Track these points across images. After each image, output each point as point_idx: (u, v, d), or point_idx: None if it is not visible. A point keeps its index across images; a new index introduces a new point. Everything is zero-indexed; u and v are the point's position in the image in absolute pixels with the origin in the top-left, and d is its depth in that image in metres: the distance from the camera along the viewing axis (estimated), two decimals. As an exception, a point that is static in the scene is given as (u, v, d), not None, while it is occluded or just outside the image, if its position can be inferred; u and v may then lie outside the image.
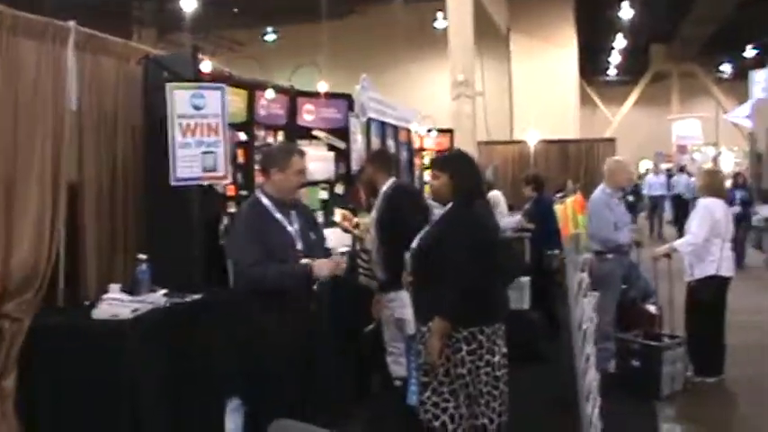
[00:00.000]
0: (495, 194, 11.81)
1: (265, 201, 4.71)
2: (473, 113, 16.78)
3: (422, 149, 12.41)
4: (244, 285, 4.65)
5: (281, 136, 7.33)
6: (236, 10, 26.15)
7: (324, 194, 7.69)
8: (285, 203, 4.75)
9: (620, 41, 28.74)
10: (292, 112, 7.42)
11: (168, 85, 5.02)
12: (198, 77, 5.31)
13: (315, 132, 7.61)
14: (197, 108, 5.07)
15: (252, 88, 6.73)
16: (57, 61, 4.82)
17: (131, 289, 4.95)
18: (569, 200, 11.64)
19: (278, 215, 4.69)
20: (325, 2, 21.69)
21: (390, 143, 9.47)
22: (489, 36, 23.19)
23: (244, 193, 6.61)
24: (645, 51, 32.78)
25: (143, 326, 4.38)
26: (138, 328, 4.35)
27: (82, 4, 19.28)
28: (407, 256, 4.76)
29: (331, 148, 7.71)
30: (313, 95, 7.57)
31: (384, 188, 6.24)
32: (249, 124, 6.77)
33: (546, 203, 9.77)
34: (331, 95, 7.71)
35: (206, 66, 5.65)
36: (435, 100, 18.80)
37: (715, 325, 7.24)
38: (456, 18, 16.51)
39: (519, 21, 24.05)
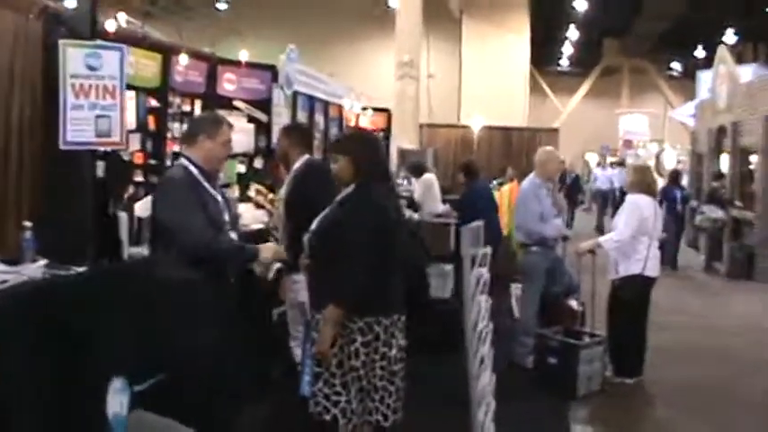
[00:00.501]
0: (429, 178, 11.61)
1: (193, 169, 4.40)
2: (416, 95, 16.58)
3: (357, 128, 12.12)
4: (191, 253, 4.25)
5: (198, 105, 7.00)
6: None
7: (241, 168, 7.39)
8: (210, 174, 4.50)
9: (573, 33, 28.65)
10: (212, 80, 7.09)
11: (61, 42, 4.65)
12: (96, 36, 4.92)
13: (235, 103, 7.29)
14: (92, 68, 4.69)
15: (167, 52, 6.37)
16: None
17: (18, 259, 4.57)
18: (506, 187, 11.56)
19: (206, 184, 4.43)
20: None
21: (319, 118, 9.17)
22: (441, 19, 22.97)
23: (153, 162, 6.27)
24: (598, 44, 32.78)
25: (8, 299, 3.98)
26: (7, 300, 3.95)
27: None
28: (305, 238, 4.47)
29: (251, 120, 7.37)
30: (235, 64, 7.21)
31: (297, 164, 5.91)
32: (163, 90, 6.43)
33: (478, 191, 9.57)
34: (254, 65, 7.37)
35: (110, 24, 5.26)
36: (381, 80, 18.45)
37: (637, 325, 7.04)
38: (404, -2, 16.23)
39: (472, 5, 23.77)
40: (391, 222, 4.21)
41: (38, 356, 4.04)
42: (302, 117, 8.44)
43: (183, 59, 6.36)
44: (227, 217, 4.57)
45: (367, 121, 12.49)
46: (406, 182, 12.26)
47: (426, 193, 11.54)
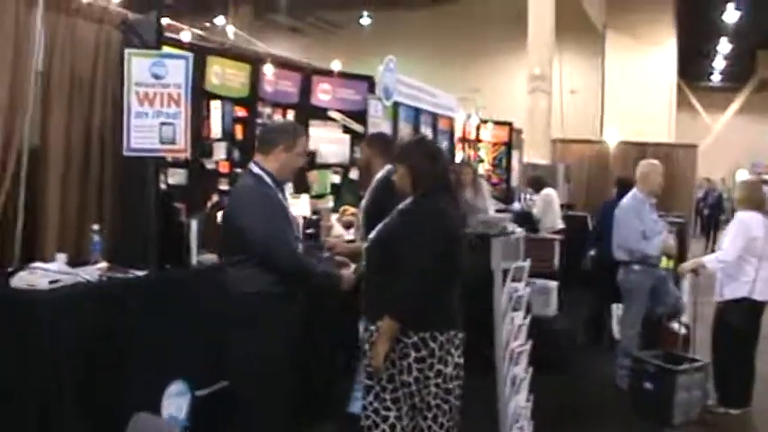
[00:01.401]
0: (549, 193, 11.31)
1: (267, 179, 4.34)
2: (548, 109, 16.16)
3: (477, 140, 11.97)
4: (289, 269, 4.29)
5: (291, 115, 7.02)
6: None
7: (336, 179, 7.36)
8: (282, 185, 4.46)
9: (724, 45, 27.36)
10: (306, 90, 7.08)
11: (127, 51, 4.75)
12: (160, 45, 5.00)
13: (330, 113, 7.25)
14: (157, 77, 4.75)
15: (256, 63, 6.42)
16: (24, 23, 4.65)
17: (83, 261, 4.70)
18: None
19: (280, 195, 4.40)
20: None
21: (426, 130, 9.03)
22: (583, 32, 22.44)
23: (239, 170, 6.32)
24: (751, 57, 31.16)
25: (60, 298, 4.07)
26: (55, 301, 4.04)
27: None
28: (363, 247, 4.38)
29: (347, 130, 7.33)
30: (330, 74, 7.21)
31: (379, 175, 5.81)
32: (251, 100, 6.47)
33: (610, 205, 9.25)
34: (350, 76, 7.34)
35: (185, 35, 5.37)
36: (516, 94, 18.15)
37: (744, 351, 6.54)
38: (536, 10, 15.92)
39: (616, 18, 23.10)
40: (451, 235, 4.06)
41: (78, 357, 4.18)
42: (405, 129, 8.35)
43: (269, 69, 6.38)
44: (295, 228, 4.56)
45: (488, 135, 12.31)
46: (528, 196, 11.94)
47: (546, 209, 11.23)
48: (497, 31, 23.06)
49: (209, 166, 6.19)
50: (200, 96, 6.02)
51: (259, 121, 6.66)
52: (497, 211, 11.22)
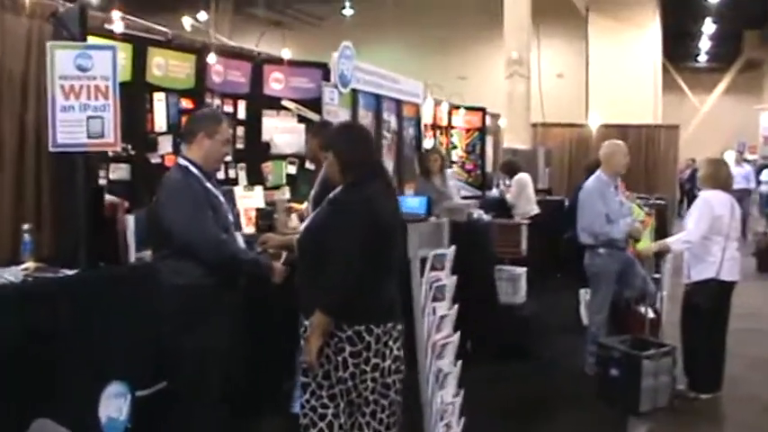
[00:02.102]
0: (523, 177, 11.16)
1: (193, 169, 4.28)
2: (527, 93, 16.00)
3: (450, 127, 11.80)
4: (205, 256, 4.16)
5: (242, 105, 6.84)
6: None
7: (292, 169, 7.19)
8: (210, 174, 4.38)
9: (709, 26, 27.14)
10: (257, 80, 6.91)
11: (49, 45, 4.52)
12: (85, 36, 4.79)
13: (284, 102, 7.07)
14: (83, 69, 4.53)
15: (201, 53, 6.23)
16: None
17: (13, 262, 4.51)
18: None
19: (208, 184, 4.30)
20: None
21: (390, 117, 8.85)
22: (567, 16, 22.27)
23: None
24: (737, 37, 30.92)
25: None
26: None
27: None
28: (295, 239, 4.21)
29: (302, 120, 7.14)
30: (281, 62, 7.02)
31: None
32: (198, 91, 6.29)
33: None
34: (303, 64, 7.15)
35: (118, 26, 5.18)
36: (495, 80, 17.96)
37: (713, 334, 6.38)
38: (512, -9, 15.73)
39: (598, 1, 22.90)
40: (384, 224, 3.87)
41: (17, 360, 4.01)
42: (366, 116, 8.15)
43: (212, 58, 6.20)
44: (231, 217, 4.42)
45: (461, 121, 12.13)
46: (504, 182, 11.77)
47: (520, 194, 11.06)
48: (481, 17, 22.84)
49: (155, 160, 5.99)
50: (141, 89, 5.87)
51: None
52: (468, 197, 11.12)
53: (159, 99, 6.00)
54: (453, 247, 3.50)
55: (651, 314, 6.89)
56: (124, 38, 5.60)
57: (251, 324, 4.67)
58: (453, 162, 12.08)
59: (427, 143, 10.86)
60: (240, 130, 6.88)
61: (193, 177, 4.24)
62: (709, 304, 6.28)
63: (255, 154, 6.94)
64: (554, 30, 23.38)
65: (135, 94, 5.78)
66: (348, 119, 7.71)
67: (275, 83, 7.04)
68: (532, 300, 8.14)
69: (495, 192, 12.21)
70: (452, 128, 11.97)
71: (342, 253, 3.73)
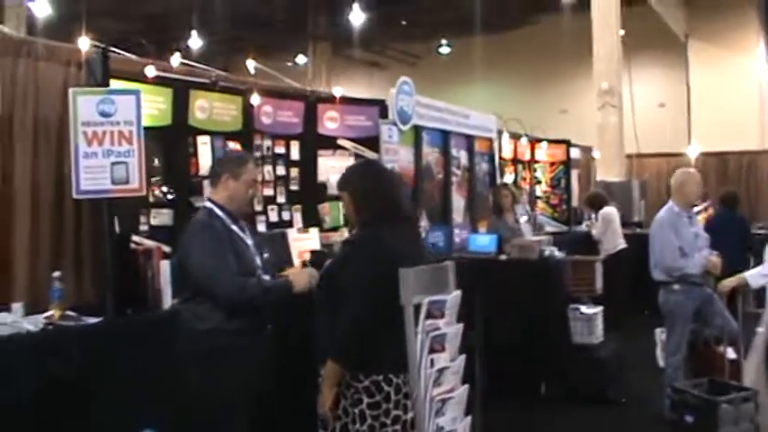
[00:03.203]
0: (609, 211, 10.71)
1: (219, 212, 4.24)
2: (620, 124, 15.45)
3: (533, 161, 11.47)
4: (222, 304, 4.08)
5: (295, 146, 6.73)
6: (404, 23, 25.69)
7: (349, 210, 6.98)
8: (237, 217, 4.32)
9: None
10: (311, 119, 6.78)
11: (71, 91, 4.53)
12: (107, 81, 4.77)
13: (339, 141, 6.91)
14: (105, 115, 4.51)
15: (246, 95, 6.16)
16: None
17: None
18: (699, 217, 10.40)
19: (234, 228, 4.24)
20: (496, 13, 20.86)
21: (460, 154, 8.60)
22: (665, 44, 21.59)
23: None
24: None
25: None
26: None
27: (256, 19, 19.65)
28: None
29: (359, 159, 6.97)
30: (335, 101, 6.89)
31: None
32: (246, 133, 6.21)
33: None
34: (359, 101, 7.00)
35: (150, 70, 5.15)
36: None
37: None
38: (600, 21, 15.27)
39: (698, 27, 22.13)
40: (400, 265, 3.62)
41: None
42: (431, 153, 7.94)
43: (255, 99, 6.10)
44: (258, 261, 4.31)
45: (543, 154, 11.79)
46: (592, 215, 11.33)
47: (606, 228, 10.61)
48: (578, 49, 22.39)
49: (199, 204, 5.89)
50: (183, 132, 5.81)
51: (258, 154, 6.38)
52: (554, 233, 10.74)
53: (204, 142, 5.94)
54: (458, 293, 3.22)
55: (732, 355, 6.36)
56: (164, 82, 5.55)
57: (282, 370, 4.47)
58: (538, 197, 11.75)
59: (508, 178, 10.58)
60: (294, 171, 6.76)
61: (218, 220, 4.19)
62: (795, 343, 5.75)
63: (311, 195, 6.80)
64: (651, 59, 22.64)
65: (176, 138, 5.74)
66: (410, 157, 7.53)
67: (330, 122, 6.91)
68: (611, 340, 7.68)
69: (583, 226, 11.78)
70: (536, 162, 11.63)
71: (353, 298, 3.51)
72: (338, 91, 6.93)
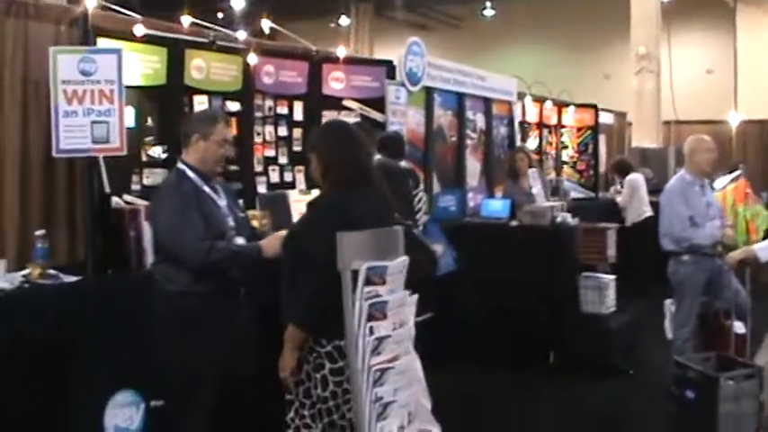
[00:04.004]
0: (635, 178, 10.51)
1: (190, 173, 4.15)
2: (657, 89, 15.12)
3: (559, 126, 11.24)
4: (194, 265, 4.00)
5: (299, 106, 6.62)
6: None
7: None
8: (210, 177, 4.22)
9: None
10: (315, 79, 6.67)
11: (51, 50, 4.49)
12: (89, 39, 4.69)
13: (345, 102, 6.79)
14: (86, 74, 4.46)
15: (243, 54, 6.07)
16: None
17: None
18: (730, 187, 10.09)
19: (206, 189, 4.16)
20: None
21: (476, 117, 8.42)
22: (712, 8, 20.99)
23: (234, 167, 5.99)
24: None
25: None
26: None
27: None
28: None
29: (365, 120, 6.86)
30: (342, 61, 6.76)
31: None
32: (244, 93, 6.12)
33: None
34: (366, 61, 6.87)
35: (138, 29, 5.08)
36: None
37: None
38: (639, -16, 14.91)
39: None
40: (364, 229, 3.52)
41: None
42: (444, 116, 7.78)
43: (252, 59, 5.99)
44: (231, 221, 4.21)
45: (570, 119, 11.53)
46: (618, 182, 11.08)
47: (632, 196, 10.37)
48: (622, 14, 21.88)
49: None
50: (179, 92, 5.72)
51: (259, 114, 6.31)
52: (580, 199, 10.56)
53: (201, 102, 5.85)
54: (404, 258, 3.10)
55: (741, 330, 6.16)
56: (157, 41, 5.47)
57: (257, 334, 4.40)
58: (564, 162, 11.53)
59: (532, 143, 10.38)
60: (297, 132, 6.65)
61: (188, 181, 4.11)
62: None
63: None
64: (697, 24, 22.03)
65: (171, 98, 5.64)
66: (420, 119, 7.39)
67: (335, 82, 6.78)
68: (627, 310, 7.51)
69: (610, 193, 11.55)
70: (562, 126, 11.39)
71: (314, 261, 3.42)
72: (341, 51, 6.77)
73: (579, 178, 11.50)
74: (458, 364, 6.75)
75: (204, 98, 5.88)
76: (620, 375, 6.91)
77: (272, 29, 7.90)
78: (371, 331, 2.89)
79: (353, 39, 24.52)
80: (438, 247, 6.13)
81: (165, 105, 5.60)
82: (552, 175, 10.96)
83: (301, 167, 6.66)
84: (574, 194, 10.90)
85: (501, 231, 7.46)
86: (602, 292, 7.24)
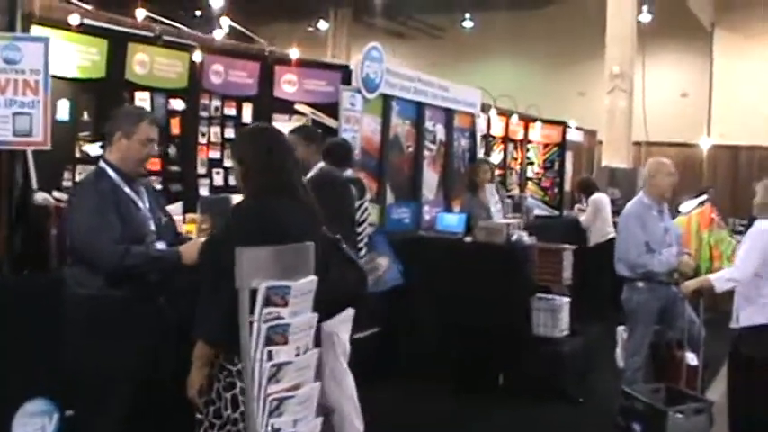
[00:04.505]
0: (599, 198, 10.31)
1: (111, 173, 3.92)
2: (629, 110, 14.96)
3: (526, 141, 11.07)
4: (108, 268, 3.75)
5: (248, 108, 6.38)
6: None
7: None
8: (133, 178, 3.98)
9: None
10: (267, 81, 6.43)
11: (-26, 35, 4.19)
12: (14, 26, 4.43)
13: (297, 106, 6.55)
14: (10, 62, 4.20)
15: (189, 51, 5.82)
16: None
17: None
18: (696, 211, 9.92)
19: (127, 190, 3.92)
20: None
21: (436, 128, 8.20)
22: (689, 32, 20.93)
23: (175, 168, 5.73)
24: None
25: None
26: None
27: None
28: None
29: (317, 126, 6.61)
30: (294, 63, 6.52)
31: (311, 173, 5.06)
32: (191, 91, 5.87)
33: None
34: (320, 65, 6.64)
35: (74, 18, 4.83)
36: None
37: (765, 390, 5.43)
38: (615, 3, 14.75)
39: (724, 16, 21.44)
40: (282, 241, 3.26)
41: None
42: (401, 125, 7.54)
43: (198, 57, 5.75)
44: (152, 225, 3.97)
45: (538, 135, 11.36)
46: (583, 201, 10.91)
47: (595, 216, 10.19)
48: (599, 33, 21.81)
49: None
50: (119, 86, 5.47)
51: (205, 114, 6.07)
52: (543, 217, 10.38)
53: (142, 99, 5.63)
54: (312, 278, 2.85)
55: (693, 361, 5.97)
56: (97, 32, 5.21)
57: (175, 342, 4.13)
58: (529, 179, 11.35)
59: (495, 157, 10.18)
60: (246, 135, 6.38)
61: (107, 180, 3.89)
62: (762, 355, 5.32)
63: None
64: (674, 46, 21.97)
65: (110, 92, 5.40)
66: (376, 127, 7.15)
67: (288, 85, 6.55)
68: (579, 334, 7.29)
69: (575, 211, 11.37)
70: (529, 142, 11.22)
71: (223, 274, 3.16)
72: (295, 53, 6.53)
73: (543, 195, 11.33)
74: (403, 380, 6.59)
75: (146, 94, 5.67)
76: (571, 402, 6.67)
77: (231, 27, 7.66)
78: (270, 356, 2.63)
79: (331, 43, 24.31)
80: (383, 260, 5.91)
81: (103, 100, 5.36)
82: (516, 191, 10.78)
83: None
84: (537, 212, 10.73)
85: (455, 247, 7.25)
86: (555, 315, 7.03)
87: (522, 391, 6.69)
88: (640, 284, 5.94)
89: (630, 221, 5.99)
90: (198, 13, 17.84)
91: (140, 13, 5.93)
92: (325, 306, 3.61)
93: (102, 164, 3.95)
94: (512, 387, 6.85)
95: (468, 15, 25.25)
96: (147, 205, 4.00)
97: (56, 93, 5.15)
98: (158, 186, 5.72)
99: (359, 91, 6.67)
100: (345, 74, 6.66)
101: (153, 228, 3.96)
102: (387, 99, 7.21)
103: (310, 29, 24.44)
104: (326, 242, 3.71)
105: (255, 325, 2.60)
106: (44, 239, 4.49)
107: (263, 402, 2.60)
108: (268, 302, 2.63)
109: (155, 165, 5.76)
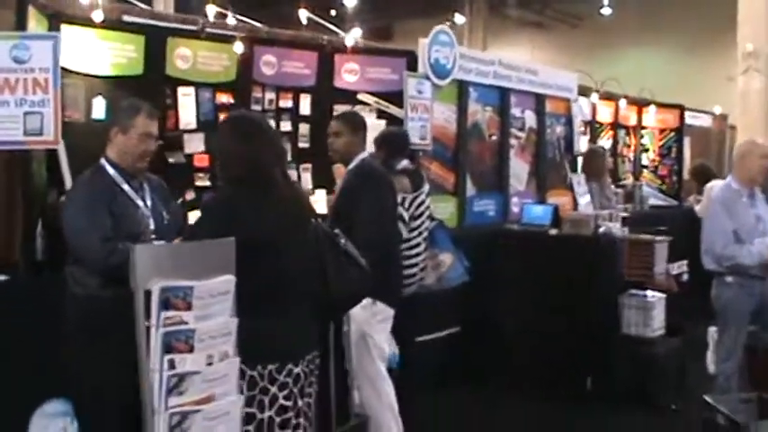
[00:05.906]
0: (713, 186, 9.45)
1: (110, 169, 3.82)
2: (766, 91, 13.87)
3: (639, 126, 10.41)
4: (98, 267, 3.64)
5: (306, 100, 6.16)
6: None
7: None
8: (134, 174, 3.85)
9: None
10: (326, 71, 6.17)
11: (-20, 36, 4.14)
12: (24, 24, 4.35)
13: (360, 96, 6.27)
14: (19, 61, 4.13)
15: (230, 43, 5.67)
16: None
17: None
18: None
19: (126, 187, 3.80)
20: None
21: (525, 114, 7.71)
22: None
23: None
24: None
25: None
26: None
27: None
28: None
29: (382, 116, 6.33)
30: (355, 51, 6.24)
31: (353, 164, 4.78)
32: (241, 84, 5.70)
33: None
34: (383, 52, 6.34)
35: (97, 15, 4.74)
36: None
37: None
38: (747, -23, 13.72)
39: None
40: (252, 237, 2.99)
41: None
42: (481, 112, 7.13)
43: (239, 48, 5.57)
44: (152, 224, 3.82)
45: (652, 120, 10.64)
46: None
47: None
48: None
49: (172, 159, 5.47)
50: (159, 83, 5.38)
51: (257, 107, 5.88)
52: (660, 207, 9.79)
53: (186, 93, 5.52)
54: (227, 278, 2.55)
55: (793, 365, 5.32)
56: (133, 28, 5.13)
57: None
58: (644, 167, 10.66)
59: (604, 144, 9.60)
60: (304, 128, 6.21)
61: (104, 177, 3.77)
62: None
63: (324, 154, 6.19)
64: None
65: (150, 89, 5.27)
66: (450, 115, 6.78)
67: (349, 74, 6.27)
68: (678, 334, 6.69)
69: (690, 201, 10.60)
70: (643, 128, 10.52)
71: None
72: (350, 40, 6.24)
73: (660, 184, 10.59)
74: (480, 384, 6.31)
75: (190, 89, 5.56)
76: (663, 410, 6.10)
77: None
78: (172, 365, 2.35)
79: (467, 37, 23.85)
80: (446, 257, 5.53)
81: (141, 96, 5.14)
82: (629, 180, 10.14)
83: (307, 165, 6.23)
84: (653, 201, 10.04)
85: (538, 240, 6.77)
86: (647, 313, 6.46)
87: (611, 397, 6.15)
88: (729, 279, 5.36)
89: (716, 208, 5.41)
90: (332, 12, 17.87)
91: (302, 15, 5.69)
92: (324, 305, 3.40)
93: (102, 160, 3.83)
94: (601, 392, 6.32)
95: (605, 2, 24.27)
96: (149, 203, 3.84)
97: (90, 91, 5.12)
98: (206, 182, 5.61)
99: (427, 77, 6.29)
100: (411, 60, 6.29)
101: (152, 226, 3.80)
102: (462, 85, 6.80)
103: (447, 23, 24.07)
104: (322, 237, 3.42)
105: (153, 330, 2.32)
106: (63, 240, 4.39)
107: (164, 417, 2.32)
108: (167, 305, 2.35)
109: (200, 161, 5.65)
